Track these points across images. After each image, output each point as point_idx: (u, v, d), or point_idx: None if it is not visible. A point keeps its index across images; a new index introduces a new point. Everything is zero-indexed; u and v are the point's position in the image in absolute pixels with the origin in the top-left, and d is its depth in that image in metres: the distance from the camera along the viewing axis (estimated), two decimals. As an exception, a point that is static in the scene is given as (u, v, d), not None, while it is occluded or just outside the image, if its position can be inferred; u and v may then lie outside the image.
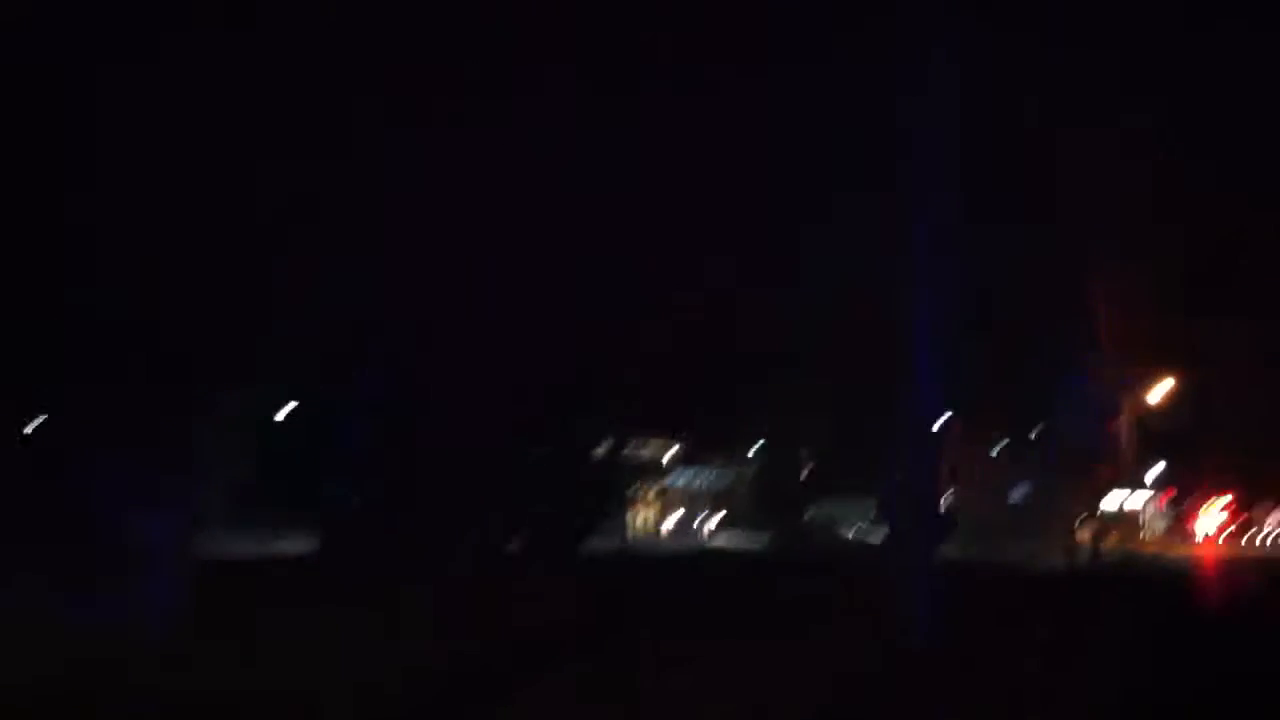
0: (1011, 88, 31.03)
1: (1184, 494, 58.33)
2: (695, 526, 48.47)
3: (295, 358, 34.91)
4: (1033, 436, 48.98)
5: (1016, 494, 49.47)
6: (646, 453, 46.06)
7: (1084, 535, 52.01)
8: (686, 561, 32.18)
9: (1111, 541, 49.32)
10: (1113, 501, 54.60)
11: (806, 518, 42.97)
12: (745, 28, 36.95)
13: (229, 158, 32.20)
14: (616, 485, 40.79)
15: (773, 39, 36.91)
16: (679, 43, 37.29)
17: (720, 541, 43.69)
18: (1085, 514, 54.08)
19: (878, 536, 38.99)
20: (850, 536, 39.33)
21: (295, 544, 30.72)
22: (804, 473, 47.91)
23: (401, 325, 32.80)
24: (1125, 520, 54.88)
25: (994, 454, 47.34)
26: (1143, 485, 56.28)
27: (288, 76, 32.54)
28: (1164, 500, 58.33)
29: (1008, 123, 33.15)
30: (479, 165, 33.14)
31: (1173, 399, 50.37)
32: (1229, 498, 57.90)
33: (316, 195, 32.62)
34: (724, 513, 49.49)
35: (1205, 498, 58.13)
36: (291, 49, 32.24)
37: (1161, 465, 55.41)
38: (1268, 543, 55.60)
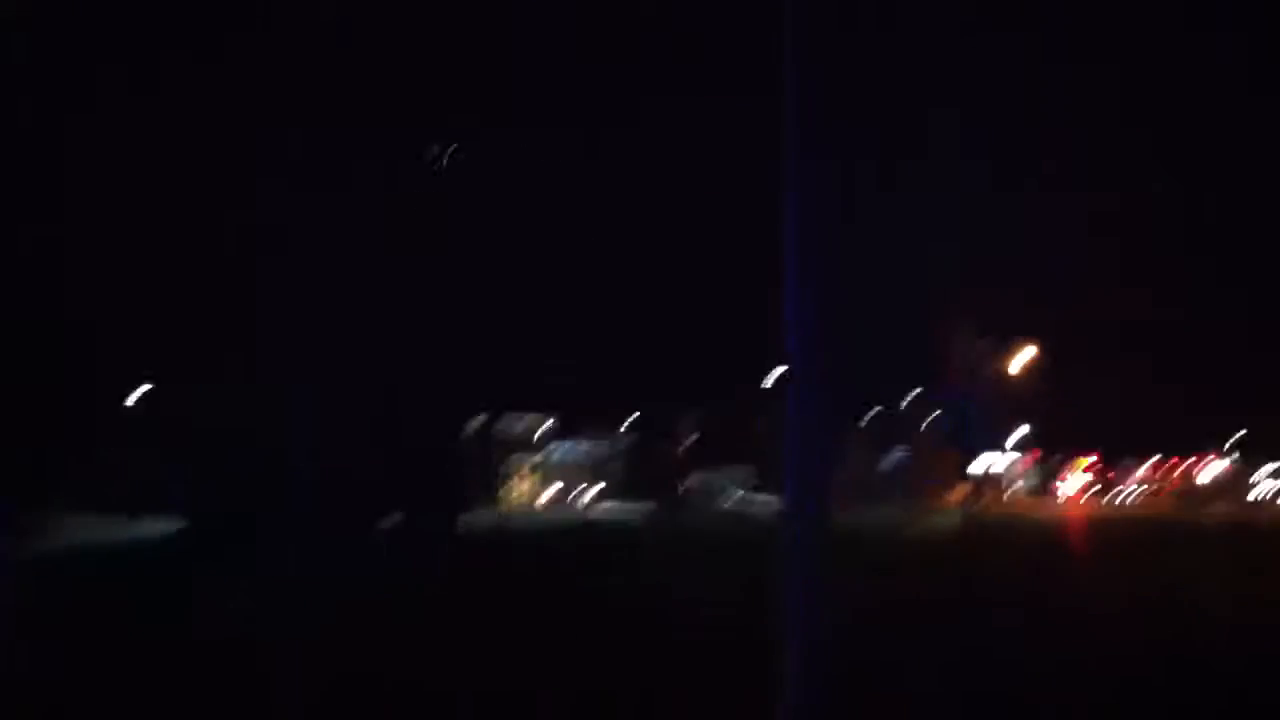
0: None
1: (1048, 456, 59.82)
2: (572, 499, 48.11)
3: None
4: (903, 406, 49.62)
5: (888, 461, 50.02)
6: (520, 428, 45.57)
7: (955, 497, 52.91)
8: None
9: (981, 503, 50.15)
10: (979, 465, 55.65)
11: (683, 488, 42.78)
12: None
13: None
14: (490, 461, 40.20)
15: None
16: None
17: (598, 513, 43.24)
18: (955, 478, 55.08)
19: (757, 506, 38.92)
20: (728, 506, 39.22)
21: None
22: (680, 445, 47.83)
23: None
24: (991, 482, 55.92)
25: (864, 423, 47.71)
26: (1006, 449, 57.39)
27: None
28: (1028, 463, 59.59)
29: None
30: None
31: (1035, 366, 51.36)
32: (1092, 459, 59.48)
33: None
34: (601, 485, 49.22)
35: (1070, 460, 59.56)
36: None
37: (1024, 429, 56.67)
38: (1127, 501, 57.04)
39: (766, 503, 39.18)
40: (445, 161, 36.86)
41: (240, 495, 27.55)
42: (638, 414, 49.90)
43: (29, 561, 19.13)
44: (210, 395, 33.40)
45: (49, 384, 33.58)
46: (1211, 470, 57.41)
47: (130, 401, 38.85)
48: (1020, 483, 59.07)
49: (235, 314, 32.81)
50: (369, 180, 34.11)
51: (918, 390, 49.23)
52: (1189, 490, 53.22)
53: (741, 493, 41.32)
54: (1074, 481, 59.24)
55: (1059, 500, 55.92)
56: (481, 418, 41.84)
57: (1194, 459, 59.66)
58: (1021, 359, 48.47)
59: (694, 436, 47.89)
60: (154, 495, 32.47)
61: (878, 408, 48.25)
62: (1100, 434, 57.01)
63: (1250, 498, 54.00)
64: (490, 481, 41.06)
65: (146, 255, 33.07)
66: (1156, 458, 60.75)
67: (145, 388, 39.60)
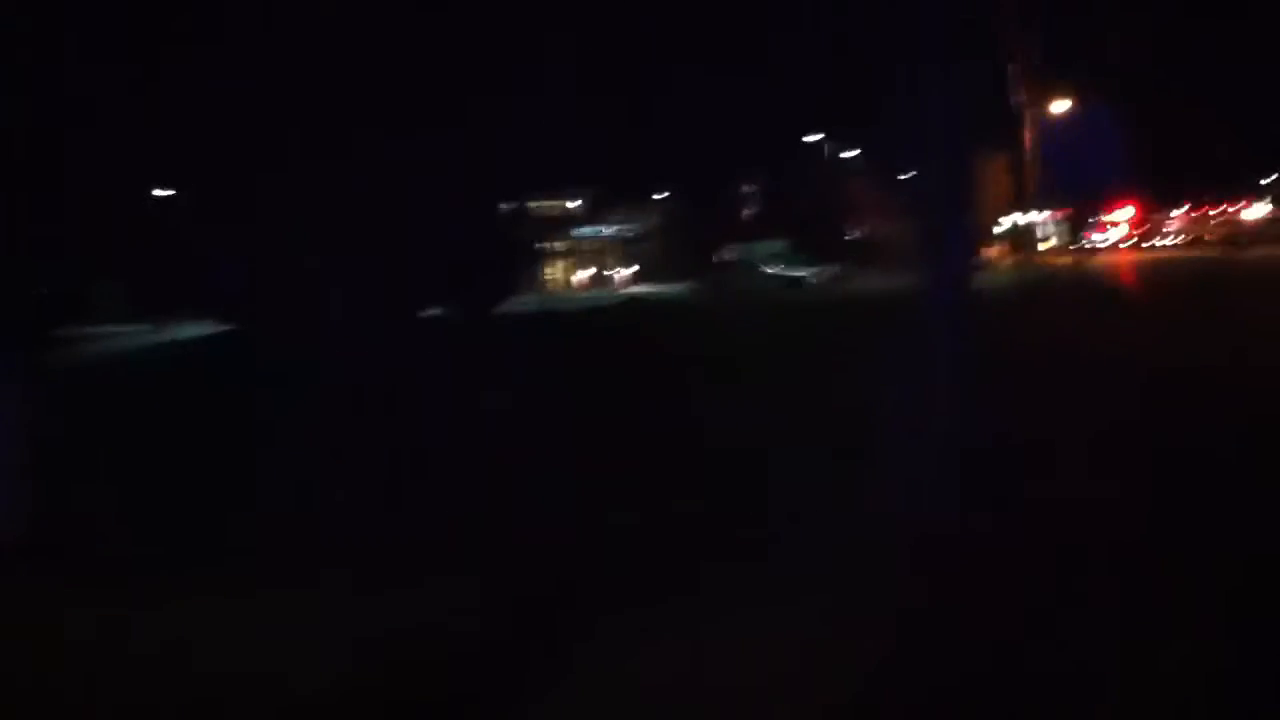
0: None
1: (1079, 210, 58.30)
2: (609, 277, 46.79)
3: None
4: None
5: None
6: (553, 208, 43.94)
7: (990, 255, 51.56)
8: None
9: (1008, 257, 49.01)
10: (1008, 222, 54.14)
11: (720, 262, 41.27)
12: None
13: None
14: (526, 242, 38.58)
15: None
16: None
17: (636, 291, 41.90)
18: (986, 237, 53.64)
19: (801, 275, 37.61)
20: (771, 275, 37.78)
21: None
22: (713, 221, 46.22)
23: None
24: (1023, 238, 54.41)
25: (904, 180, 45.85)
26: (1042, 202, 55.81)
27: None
28: (1060, 215, 58.04)
29: None
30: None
31: (1071, 116, 49.27)
32: (1130, 209, 57.98)
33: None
34: (634, 267, 47.89)
35: (1109, 209, 58.12)
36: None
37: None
38: (1167, 244, 55.92)
39: (814, 272, 37.90)
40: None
41: (277, 297, 26.30)
42: (667, 193, 48.23)
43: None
44: (235, 197, 31.86)
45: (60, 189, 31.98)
46: (1252, 213, 55.92)
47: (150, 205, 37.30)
48: (1054, 238, 57.60)
49: (249, 109, 31.01)
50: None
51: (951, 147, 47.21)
52: (1232, 235, 51.59)
53: (782, 265, 39.76)
54: (1110, 233, 57.89)
55: (1095, 250, 54.65)
56: (509, 202, 40.11)
57: (1227, 205, 58.23)
58: (1057, 108, 45.98)
59: (728, 212, 46.32)
60: (179, 303, 31.24)
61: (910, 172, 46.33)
62: (1131, 186, 55.57)
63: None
64: (522, 267, 39.61)
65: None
66: (1187, 207, 59.32)
67: (166, 192, 38.00)
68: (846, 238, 43.23)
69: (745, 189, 44.77)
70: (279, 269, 27.68)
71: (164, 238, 33.67)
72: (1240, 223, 54.73)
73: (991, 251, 51.64)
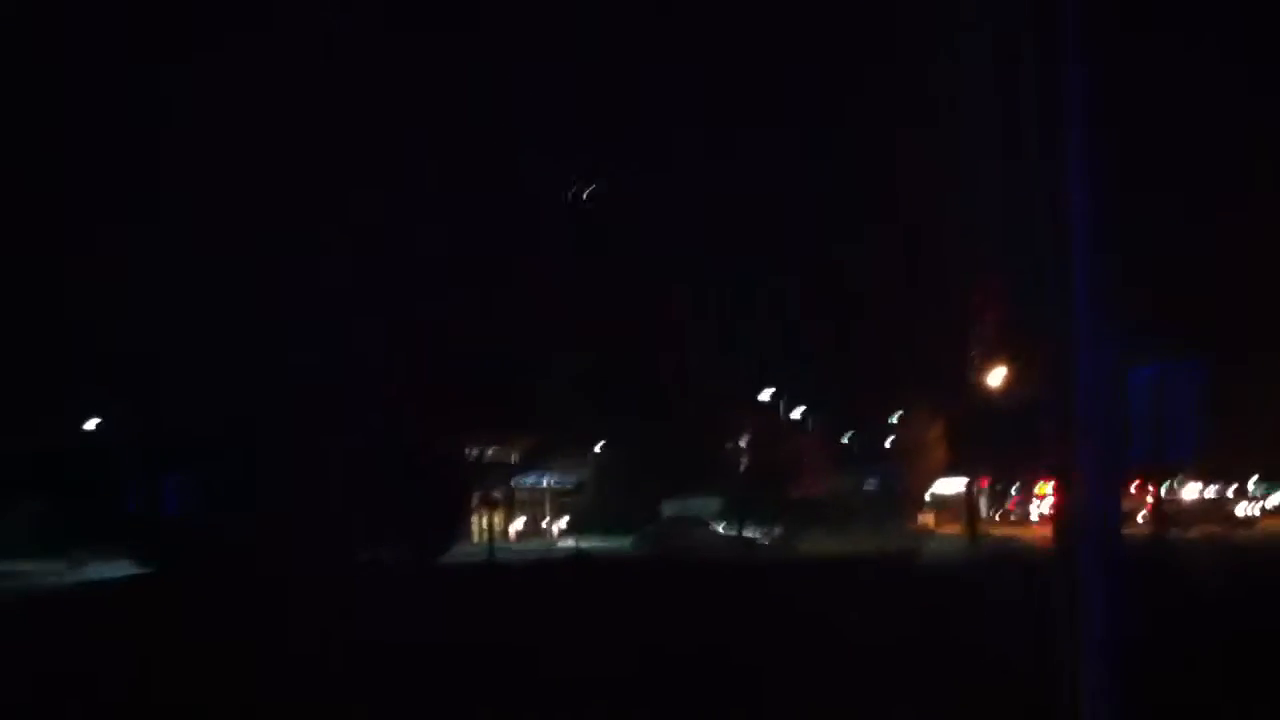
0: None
1: (1008, 477, 56.92)
2: (544, 529, 43.99)
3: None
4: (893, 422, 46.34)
5: (870, 483, 46.58)
6: (491, 455, 41.46)
7: (925, 522, 49.67)
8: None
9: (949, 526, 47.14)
10: (944, 487, 52.45)
11: (666, 516, 38.68)
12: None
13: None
14: (468, 491, 36.04)
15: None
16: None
17: (575, 545, 39.06)
18: (919, 503, 51.80)
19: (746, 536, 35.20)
20: (718, 535, 35.23)
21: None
22: (645, 476, 43.99)
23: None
24: (952, 504, 52.60)
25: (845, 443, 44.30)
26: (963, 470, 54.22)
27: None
28: (985, 483, 56.56)
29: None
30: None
31: (1005, 385, 48.24)
32: (1052, 483, 56.58)
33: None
34: (567, 517, 45.32)
35: (1036, 480, 56.76)
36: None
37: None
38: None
39: (763, 532, 35.60)
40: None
41: (211, 536, 23.57)
42: (603, 443, 46.08)
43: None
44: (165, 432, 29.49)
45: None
46: (1190, 492, 55.06)
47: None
48: (985, 508, 55.95)
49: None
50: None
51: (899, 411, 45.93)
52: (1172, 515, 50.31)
53: (724, 523, 37.28)
54: (1045, 504, 56.38)
55: (1031, 520, 52.95)
56: (448, 449, 37.84)
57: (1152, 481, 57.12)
58: (994, 378, 44.69)
59: (660, 467, 44.18)
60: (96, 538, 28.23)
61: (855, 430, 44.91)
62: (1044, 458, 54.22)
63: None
64: (459, 514, 36.91)
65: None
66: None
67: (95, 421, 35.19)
68: (788, 498, 41.10)
69: (678, 447, 42.71)
70: (211, 511, 25.00)
71: (84, 465, 30.80)
72: (1179, 501, 53.58)
73: (925, 519, 49.75)
